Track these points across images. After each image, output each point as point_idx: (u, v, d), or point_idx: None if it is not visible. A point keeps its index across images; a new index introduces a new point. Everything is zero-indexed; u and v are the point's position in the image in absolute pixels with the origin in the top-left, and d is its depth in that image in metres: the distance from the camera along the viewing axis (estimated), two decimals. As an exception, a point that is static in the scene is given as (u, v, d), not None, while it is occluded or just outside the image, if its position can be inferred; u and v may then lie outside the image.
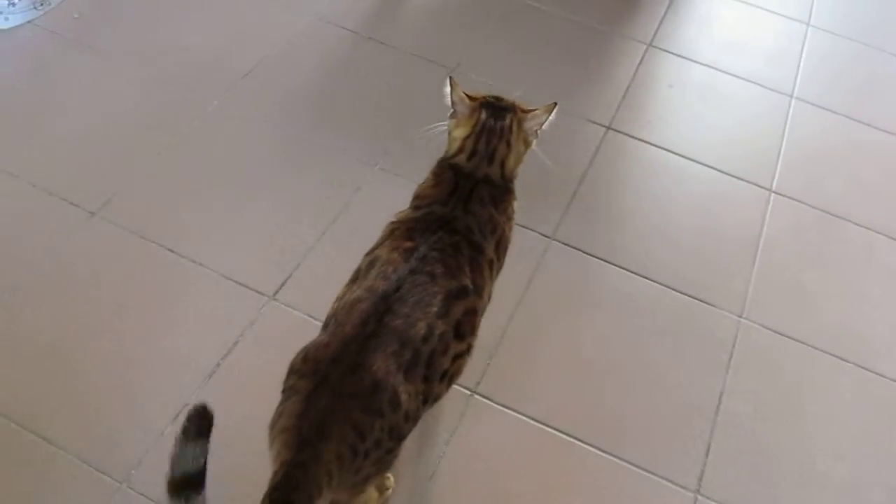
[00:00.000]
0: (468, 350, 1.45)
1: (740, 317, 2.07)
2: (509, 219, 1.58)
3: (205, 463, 1.15)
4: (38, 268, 1.94)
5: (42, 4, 2.54)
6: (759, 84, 2.74)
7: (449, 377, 1.42)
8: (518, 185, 1.62)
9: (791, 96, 2.71)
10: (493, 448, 1.77)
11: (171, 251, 2.00)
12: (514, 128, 1.56)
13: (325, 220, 2.11)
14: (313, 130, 2.35)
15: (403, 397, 1.28)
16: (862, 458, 1.87)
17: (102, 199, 2.08)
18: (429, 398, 1.38)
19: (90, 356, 1.80)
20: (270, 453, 1.25)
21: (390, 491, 1.63)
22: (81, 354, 1.80)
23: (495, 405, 1.83)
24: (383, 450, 1.30)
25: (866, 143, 2.62)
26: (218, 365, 1.81)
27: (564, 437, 1.80)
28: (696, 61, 2.79)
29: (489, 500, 1.71)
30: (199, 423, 1.16)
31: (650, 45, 2.81)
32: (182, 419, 1.67)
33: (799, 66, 2.83)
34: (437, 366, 1.36)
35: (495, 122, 1.55)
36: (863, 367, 2.01)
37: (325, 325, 1.39)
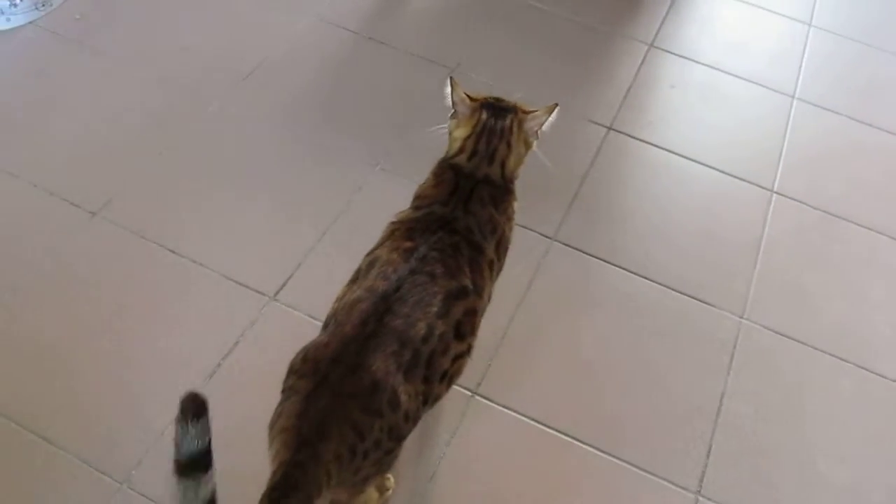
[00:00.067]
0: (468, 350, 1.45)
1: (741, 318, 2.07)
2: (509, 219, 1.58)
3: (209, 442, 1.15)
4: (38, 268, 1.94)
5: (44, 5, 2.54)
6: (760, 84, 2.73)
7: (449, 378, 1.42)
8: (519, 186, 1.62)
9: (793, 97, 2.70)
10: (493, 449, 1.77)
11: (172, 251, 2.00)
12: (515, 128, 1.56)
13: (326, 220, 2.11)
14: (314, 131, 2.35)
15: (403, 398, 1.28)
16: (863, 459, 1.86)
17: (103, 199, 2.08)
18: (429, 399, 1.38)
19: (90, 356, 1.80)
20: (270, 453, 1.25)
21: (390, 492, 1.63)
22: (82, 354, 1.80)
23: (496, 406, 1.83)
24: (383, 450, 1.29)
25: (868, 143, 2.61)
26: (219, 365, 1.81)
27: (565, 437, 1.80)
28: (697, 62, 2.78)
29: (489, 501, 1.71)
30: (194, 404, 1.15)
31: (652, 45, 2.81)
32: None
33: (801, 67, 2.82)
34: (438, 366, 1.36)
35: (496, 123, 1.55)
36: (864, 368, 2.01)
37: (325, 325, 1.39)
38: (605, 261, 2.14)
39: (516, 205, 1.60)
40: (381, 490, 1.61)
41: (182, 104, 2.36)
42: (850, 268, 2.25)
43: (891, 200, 2.44)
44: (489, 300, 1.53)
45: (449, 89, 1.58)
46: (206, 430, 1.14)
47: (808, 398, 1.95)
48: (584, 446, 1.79)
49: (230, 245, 2.04)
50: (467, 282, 1.42)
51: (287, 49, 2.58)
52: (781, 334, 2.05)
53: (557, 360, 1.94)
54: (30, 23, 2.52)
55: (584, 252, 2.15)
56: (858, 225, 2.34)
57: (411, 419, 1.33)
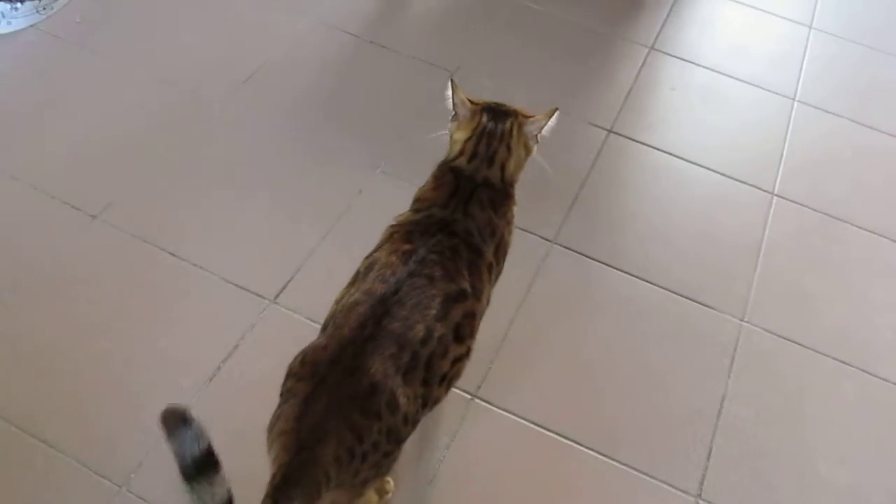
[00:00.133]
0: (467, 353, 1.45)
1: (742, 320, 2.06)
2: (508, 223, 1.58)
3: (209, 443, 1.14)
4: (39, 271, 1.94)
5: (45, 8, 2.54)
6: (761, 87, 2.73)
7: (448, 380, 1.42)
8: (519, 188, 1.62)
9: (793, 99, 2.70)
10: (493, 452, 1.77)
11: (172, 254, 2.00)
12: (515, 132, 1.56)
13: (326, 223, 2.11)
14: (315, 134, 2.35)
15: (402, 400, 1.28)
16: (863, 462, 1.86)
17: (103, 202, 2.08)
18: (428, 401, 1.38)
19: (90, 359, 1.80)
20: (269, 456, 1.25)
21: (390, 495, 1.63)
22: (81, 357, 1.80)
23: (496, 409, 1.83)
24: (381, 453, 1.29)
25: (869, 146, 2.61)
26: (219, 368, 1.81)
27: (565, 441, 1.79)
28: (698, 64, 2.78)
29: (489, 504, 1.71)
30: (173, 416, 1.14)
31: (652, 47, 2.81)
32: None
33: (801, 70, 2.82)
34: (437, 369, 1.35)
35: (496, 126, 1.56)
36: (865, 371, 2.01)
37: (324, 328, 1.39)
38: (605, 264, 2.14)
39: (515, 209, 1.60)
40: (381, 493, 1.61)
41: (182, 107, 2.36)
42: (850, 270, 2.25)
43: (892, 203, 2.44)
44: (488, 303, 1.53)
45: (450, 92, 1.58)
46: (200, 432, 1.14)
47: (809, 401, 1.94)
48: (584, 449, 1.79)
49: (230, 248, 2.04)
50: (466, 285, 1.42)
51: (288, 52, 2.59)
52: (782, 337, 2.05)
53: (557, 363, 1.94)
54: (30, 26, 2.52)
55: (584, 255, 2.15)
56: (859, 227, 2.34)
57: (410, 422, 1.33)
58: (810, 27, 3.01)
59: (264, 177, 2.23)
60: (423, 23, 2.82)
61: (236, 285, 1.96)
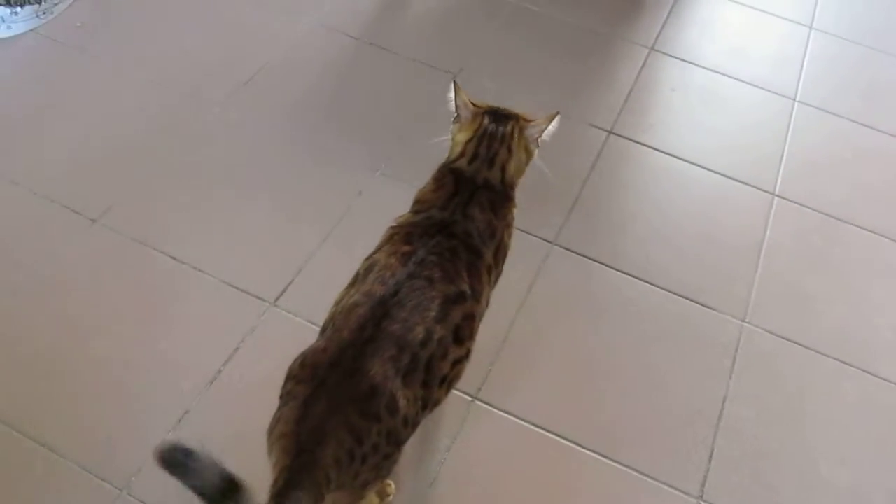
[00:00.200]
0: (467, 355, 1.44)
1: (743, 321, 2.06)
2: (508, 225, 1.57)
3: (223, 468, 1.14)
4: (39, 274, 1.94)
5: (45, 13, 2.55)
6: (761, 88, 2.73)
7: (448, 382, 1.42)
8: (519, 190, 1.62)
9: (794, 100, 2.70)
10: (494, 454, 1.77)
11: (172, 258, 2.00)
12: (516, 134, 1.57)
13: (326, 225, 2.11)
14: (315, 136, 2.35)
15: (401, 402, 1.28)
16: (864, 463, 1.86)
17: (103, 206, 2.08)
18: (428, 403, 1.37)
19: (91, 362, 1.80)
20: (270, 460, 1.25)
21: (391, 497, 1.63)
22: (82, 360, 1.80)
23: (497, 411, 1.82)
24: (381, 455, 1.29)
25: (870, 146, 2.61)
26: (219, 371, 1.81)
27: (566, 442, 1.79)
28: (698, 65, 2.78)
29: (490, 507, 1.70)
30: (172, 452, 1.14)
31: (652, 48, 2.81)
32: (183, 426, 1.70)
33: (802, 70, 2.82)
34: (437, 371, 1.35)
35: (497, 128, 1.56)
36: (866, 372, 2.00)
37: (323, 330, 1.39)
38: (605, 265, 2.14)
39: (515, 211, 1.60)
40: (382, 495, 1.61)
41: (182, 110, 2.36)
42: (851, 271, 2.25)
43: (892, 203, 2.43)
44: (487, 306, 1.53)
45: (452, 93, 1.59)
46: (208, 458, 1.14)
47: (810, 402, 1.94)
48: (585, 451, 1.78)
49: (230, 251, 2.04)
50: (465, 286, 1.41)
51: (288, 54, 2.59)
52: (783, 338, 2.04)
53: (558, 365, 1.93)
54: (30, 30, 2.52)
55: (584, 256, 2.15)
56: (860, 228, 2.33)
57: (410, 424, 1.33)
58: (811, 27, 3.00)
59: (264, 179, 2.23)
60: (423, 24, 2.82)
61: (236, 288, 1.96)
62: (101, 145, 2.25)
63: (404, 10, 2.88)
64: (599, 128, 2.50)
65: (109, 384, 1.77)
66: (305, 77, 2.53)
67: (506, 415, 1.82)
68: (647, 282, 2.11)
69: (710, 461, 1.80)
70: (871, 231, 2.33)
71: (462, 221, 1.48)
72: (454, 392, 1.76)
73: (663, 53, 2.80)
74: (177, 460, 1.13)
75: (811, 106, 2.69)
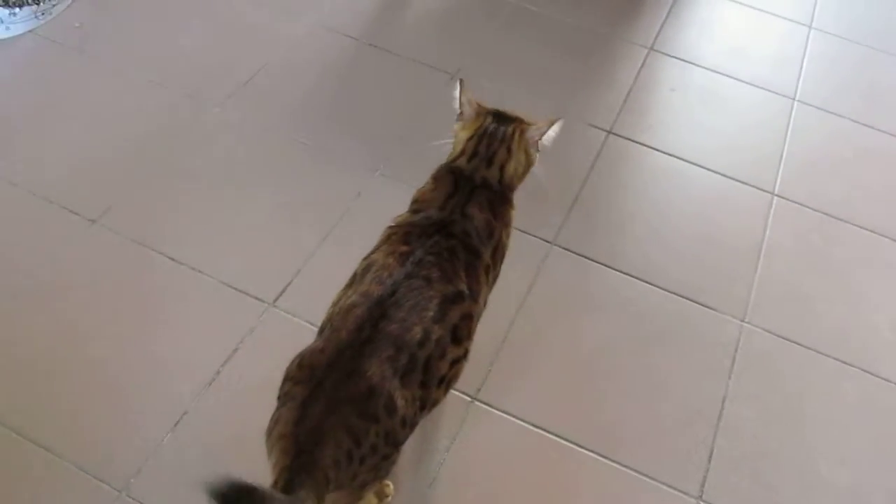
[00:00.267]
0: (465, 355, 1.44)
1: (742, 321, 2.06)
2: (507, 225, 1.57)
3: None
4: (38, 275, 1.94)
5: (43, 14, 2.55)
6: (761, 87, 2.73)
7: (447, 382, 1.42)
8: (519, 190, 1.62)
9: (794, 100, 2.70)
10: (493, 454, 1.76)
11: (171, 258, 2.00)
12: (517, 136, 1.57)
13: (325, 226, 2.11)
14: (314, 137, 2.35)
15: (399, 402, 1.28)
16: (864, 463, 1.85)
17: (102, 207, 2.08)
18: (426, 404, 1.37)
19: (89, 363, 1.80)
20: (269, 461, 1.25)
21: (390, 498, 1.63)
22: (81, 362, 1.80)
23: (496, 411, 1.82)
24: (379, 455, 1.29)
25: (869, 146, 2.61)
26: (218, 372, 1.81)
27: (566, 443, 1.79)
28: (697, 65, 2.78)
29: (489, 507, 1.70)
30: (236, 492, 1.12)
31: (651, 48, 2.80)
32: (181, 427, 1.70)
33: (801, 69, 2.82)
34: (435, 371, 1.35)
35: (498, 128, 1.57)
36: (866, 371, 2.00)
37: (321, 331, 1.39)
38: (605, 265, 2.14)
39: (514, 213, 1.60)
40: (381, 496, 1.60)
41: (181, 111, 2.36)
42: (851, 270, 2.24)
43: (892, 203, 2.43)
44: (485, 306, 1.52)
45: (457, 92, 1.60)
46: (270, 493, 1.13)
47: (810, 402, 1.94)
48: (584, 451, 1.78)
49: (229, 251, 2.04)
50: (463, 286, 1.41)
51: (287, 55, 2.59)
52: (783, 338, 2.04)
53: (557, 365, 1.93)
54: (29, 31, 2.52)
55: (583, 256, 2.15)
56: (860, 227, 2.33)
57: (408, 424, 1.33)
58: (810, 27, 3.00)
59: (263, 179, 2.23)
60: (422, 25, 2.82)
61: (235, 289, 1.96)
62: (100, 146, 2.25)
63: (404, 11, 2.88)
64: (599, 128, 2.49)
65: (108, 385, 1.77)
66: (305, 78, 2.53)
67: (505, 415, 1.82)
68: (647, 282, 2.11)
69: (709, 461, 1.80)
70: (871, 231, 2.33)
71: (460, 221, 1.48)
72: (453, 392, 1.76)
73: (662, 53, 2.80)
74: (239, 497, 1.10)
75: (811, 106, 2.69)
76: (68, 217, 2.06)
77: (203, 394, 1.77)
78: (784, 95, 2.71)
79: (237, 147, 2.30)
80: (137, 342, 1.85)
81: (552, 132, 1.56)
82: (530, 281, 2.07)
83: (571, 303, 2.06)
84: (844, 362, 2.01)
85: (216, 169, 2.23)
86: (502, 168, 1.56)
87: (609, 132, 2.49)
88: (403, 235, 1.45)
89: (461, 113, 1.61)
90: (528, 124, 1.59)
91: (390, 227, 1.51)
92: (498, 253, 1.54)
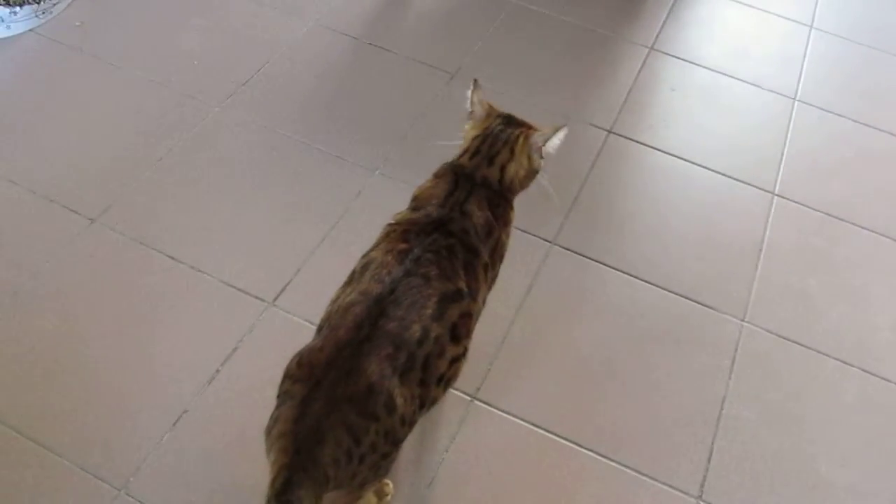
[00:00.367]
0: (464, 353, 1.44)
1: (742, 321, 2.06)
2: (506, 225, 1.57)
3: None
4: (38, 274, 1.94)
5: (44, 12, 2.55)
6: (761, 87, 2.73)
7: (446, 381, 1.41)
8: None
9: (794, 99, 2.69)
10: (493, 454, 1.76)
11: (171, 257, 2.00)
12: (521, 139, 1.57)
13: (325, 225, 2.11)
14: (314, 136, 2.34)
15: (399, 401, 1.28)
16: (865, 463, 1.85)
17: (102, 205, 2.08)
18: (425, 402, 1.37)
19: (89, 362, 1.80)
20: (268, 459, 1.25)
21: (389, 497, 1.62)
22: (80, 360, 1.80)
23: (496, 411, 1.82)
24: (379, 454, 1.29)
25: (870, 146, 2.60)
26: (217, 371, 1.81)
27: (565, 442, 1.79)
28: (698, 64, 2.78)
29: (489, 507, 1.70)
30: None
31: (652, 48, 2.80)
32: (181, 426, 1.70)
33: (802, 69, 2.82)
34: (434, 369, 1.35)
35: (505, 129, 1.58)
36: (867, 372, 2.00)
37: (319, 329, 1.39)
38: (605, 264, 2.14)
39: (513, 214, 1.61)
40: (380, 495, 1.60)
41: (181, 110, 2.36)
42: (851, 270, 2.24)
43: (892, 202, 2.43)
44: (483, 305, 1.52)
45: (470, 91, 1.61)
46: None
47: (810, 402, 1.94)
48: (584, 451, 1.78)
49: (229, 251, 2.04)
50: (462, 284, 1.41)
51: (287, 55, 2.58)
52: (783, 337, 2.04)
53: (557, 364, 1.93)
54: (30, 30, 2.52)
55: (584, 256, 2.15)
56: (860, 227, 2.33)
57: (407, 423, 1.33)
58: (811, 27, 3.00)
59: (263, 179, 2.23)
60: (422, 25, 2.82)
61: (235, 288, 1.96)
62: (100, 145, 2.25)
63: (404, 10, 2.88)
64: (599, 127, 2.49)
65: (107, 384, 1.77)
66: (305, 77, 2.53)
67: (505, 414, 1.82)
68: (647, 281, 2.11)
69: (709, 461, 1.80)
70: (872, 230, 2.32)
71: (459, 219, 1.48)
72: (453, 392, 1.76)
73: (663, 53, 2.80)
74: None
75: (812, 105, 2.68)
76: (68, 216, 2.06)
77: (203, 392, 1.77)
78: (785, 95, 2.71)
79: (237, 147, 2.30)
80: (137, 341, 1.85)
81: (557, 140, 1.56)
82: (530, 280, 2.07)
83: (571, 302, 2.06)
84: (844, 362, 2.01)
85: (216, 168, 2.23)
86: (503, 169, 1.56)
87: (609, 132, 2.49)
88: (402, 233, 1.45)
89: (472, 112, 1.62)
90: (535, 130, 1.59)
91: (390, 225, 1.51)
92: (497, 252, 1.54)
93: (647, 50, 2.80)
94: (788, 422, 1.89)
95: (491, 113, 1.61)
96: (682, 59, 2.79)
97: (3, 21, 2.46)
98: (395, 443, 1.33)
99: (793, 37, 2.97)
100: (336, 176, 2.25)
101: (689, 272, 2.15)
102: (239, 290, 1.96)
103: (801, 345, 2.03)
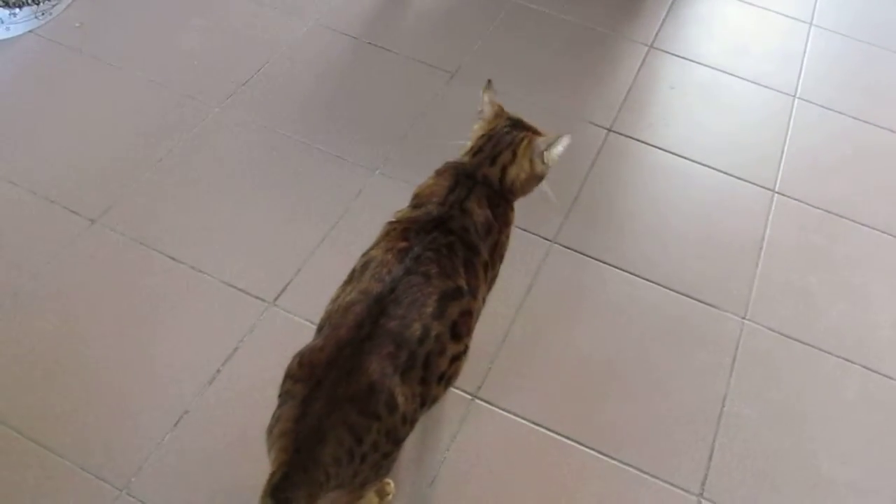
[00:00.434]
0: (465, 351, 1.44)
1: (743, 319, 2.06)
2: (506, 225, 1.58)
3: None
4: (38, 275, 1.94)
5: (43, 14, 2.55)
6: (761, 85, 2.73)
7: (447, 379, 1.42)
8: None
9: (794, 97, 2.69)
10: (494, 453, 1.76)
11: (171, 258, 2.00)
12: (524, 143, 1.58)
13: (325, 225, 2.11)
14: (314, 136, 2.35)
15: (400, 399, 1.28)
16: (867, 460, 1.85)
17: (103, 206, 2.08)
18: (426, 401, 1.37)
19: (90, 363, 1.80)
20: (269, 458, 1.25)
21: (391, 496, 1.62)
22: (81, 361, 1.80)
23: (497, 409, 1.82)
24: (381, 453, 1.29)
25: (870, 143, 2.60)
26: (218, 371, 1.81)
27: (567, 441, 1.79)
28: (697, 62, 2.78)
29: (491, 505, 1.70)
30: None
31: (651, 46, 2.80)
32: (182, 426, 1.70)
33: (802, 66, 2.82)
34: (435, 367, 1.35)
35: (510, 131, 1.59)
36: (868, 369, 2.00)
37: (320, 328, 1.39)
38: (605, 263, 2.14)
39: (513, 215, 1.61)
40: (382, 495, 1.60)
41: (181, 111, 2.36)
42: (852, 267, 2.24)
43: (893, 199, 2.43)
44: (483, 304, 1.52)
45: (482, 91, 1.63)
46: None
47: (811, 399, 1.94)
48: (585, 449, 1.78)
49: (229, 251, 2.04)
50: (462, 282, 1.41)
51: (287, 55, 2.58)
52: (783, 335, 2.04)
53: (558, 363, 1.93)
54: (29, 31, 2.52)
55: (584, 254, 2.15)
56: (861, 224, 2.33)
57: (409, 421, 1.33)
58: (811, 24, 3.00)
59: (263, 179, 2.23)
60: (421, 24, 2.82)
61: (235, 288, 1.96)
62: (100, 146, 2.25)
63: (404, 10, 2.88)
64: (599, 126, 2.49)
65: (108, 384, 1.77)
66: (305, 77, 2.53)
67: (506, 413, 1.82)
68: (647, 279, 2.11)
69: (710, 459, 1.80)
70: (872, 228, 2.32)
71: (459, 217, 1.48)
72: (454, 391, 1.76)
73: (662, 51, 2.80)
74: None
75: (811, 103, 2.68)
76: (69, 217, 2.06)
77: (204, 393, 1.77)
78: (785, 93, 2.71)
79: (237, 147, 2.30)
80: (138, 341, 1.85)
81: (560, 147, 1.57)
82: (531, 279, 2.07)
83: (572, 301, 2.06)
84: (845, 359, 2.01)
85: (216, 168, 2.23)
86: (504, 169, 1.57)
87: (609, 130, 2.49)
88: (402, 231, 1.45)
89: (481, 111, 1.63)
90: (541, 135, 1.60)
91: (390, 223, 1.51)
92: (497, 252, 1.54)
93: (646, 48, 2.80)
94: (789, 419, 1.89)
95: (500, 114, 1.62)
96: (682, 57, 2.79)
97: (2, 22, 2.46)
98: (397, 442, 1.33)
99: (792, 34, 2.97)
100: (336, 176, 2.25)
101: (689, 270, 2.15)
102: (239, 290, 1.96)
103: (802, 342, 2.03)
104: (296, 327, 1.88)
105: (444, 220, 1.47)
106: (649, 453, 1.79)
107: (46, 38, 2.53)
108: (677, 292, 2.09)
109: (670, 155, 2.46)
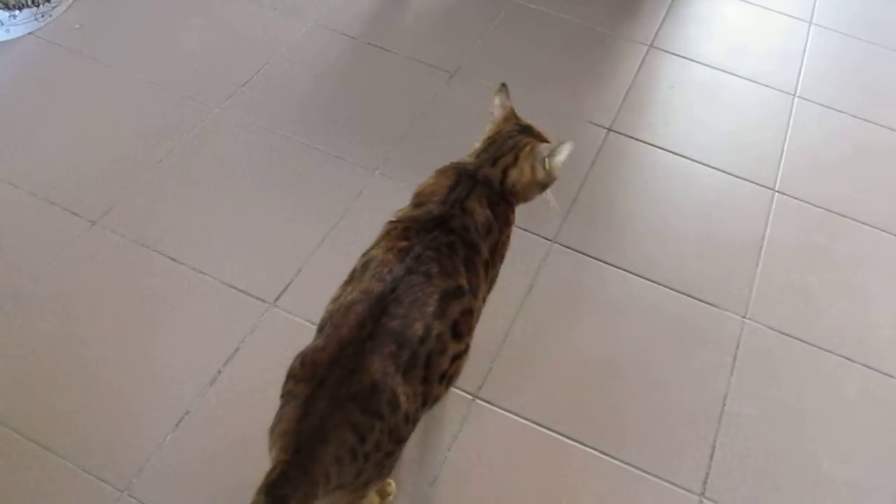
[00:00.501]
0: (466, 351, 1.44)
1: (744, 318, 2.06)
2: (507, 225, 1.58)
3: None
4: (39, 276, 1.94)
5: (43, 16, 2.55)
6: (761, 84, 2.73)
7: (448, 378, 1.42)
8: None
9: (794, 96, 2.69)
10: (495, 452, 1.76)
11: (172, 259, 2.00)
12: (527, 148, 1.58)
13: (325, 225, 2.11)
14: (313, 136, 2.35)
15: (402, 398, 1.28)
16: (867, 460, 1.85)
17: (103, 208, 2.08)
18: (428, 400, 1.37)
19: (90, 364, 1.80)
20: (270, 457, 1.25)
21: (392, 496, 1.62)
22: (82, 362, 1.80)
23: (497, 409, 1.82)
24: (383, 452, 1.29)
25: (871, 142, 2.60)
26: (219, 372, 1.81)
27: (567, 440, 1.79)
28: (697, 62, 2.78)
29: (492, 505, 1.70)
30: None
31: (651, 45, 2.80)
32: (183, 427, 1.70)
33: (802, 65, 2.82)
34: (436, 367, 1.35)
35: (516, 135, 1.60)
36: (869, 367, 2.00)
37: (321, 328, 1.38)
38: (605, 262, 2.14)
39: (513, 216, 1.61)
40: (383, 495, 1.60)
41: (181, 112, 2.36)
42: (852, 266, 2.24)
43: (893, 199, 2.43)
44: (484, 303, 1.52)
45: (495, 93, 1.65)
46: None
47: (812, 398, 1.94)
48: (586, 449, 1.78)
49: (230, 252, 2.04)
50: (463, 281, 1.41)
51: (286, 55, 2.59)
52: (784, 334, 2.04)
53: (559, 363, 1.93)
54: (29, 33, 2.52)
55: (584, 254, 2.15)
56: (861, 223, 2.33)
57: (411, 420, 1.33)
58: (810, 23, 3.00)
59: (263, 180, 2.23)
60: (421, 24, 2.82)
61: (236, 289, 1.96)
62: (100, 147, 2.25)
63: (403, 10, 2.88)
64: (598, 125, 2.49)
65: (109, 385, 1.77)
66: (304, 78, 2.53)
67: (507, 413, 1.82)
68: (647, 279, 2.11)
69: (711, 458, 1.80)
70: (872, 226, 2.32)
71: (460, 216, 1.48)
72: (455, 390, 1.76)
73: (662, 50, 2.80)
74: None
75: (811, 102, 2.68)
76: (69, 218, 2.06)
77: (205, 393, 1.77)
78: (784, 92, 2.71)
79: (237, 147, 2.30)
80: (138, 342, 1.85)
81: (562, 155, 1.57)
82: (531, 279, 2.07)
83: (572, 300, 2.06)
84: (846, 358, 2.01)
85: (216, 169, 2.23)
86: (505, 171, 1.57)
87: (609, 129, 2.49)
88: (403, 230, 1.45)
89: (492, 113, 1.64)
90: (545, 142, 1.61)
91: (391, 222, 1.51)
92: (497, 251, 1.54)
93: (646, 47, 2.80)
94: (790, 418, 1.89)
95: (510, 118, 1.63)
96: (682, 57, 2.79)
97: (2, 24, 2.46)
98: (399, 441, 1.33)
99: (792, 33, 2.97)
100: (336, 176, 2.25)
101: (689, 269, 2.15)
102: (240, 290, 1.96)
103: (803, 341, 2.03)
104: (296, 328, 1.88)
105: (445, 219, 1.47)
106: (650, 453, 1.79)
107: (46, 40, 2.53)
108: (678, 292, 2.09)
109: (670, 154, 2.46)
